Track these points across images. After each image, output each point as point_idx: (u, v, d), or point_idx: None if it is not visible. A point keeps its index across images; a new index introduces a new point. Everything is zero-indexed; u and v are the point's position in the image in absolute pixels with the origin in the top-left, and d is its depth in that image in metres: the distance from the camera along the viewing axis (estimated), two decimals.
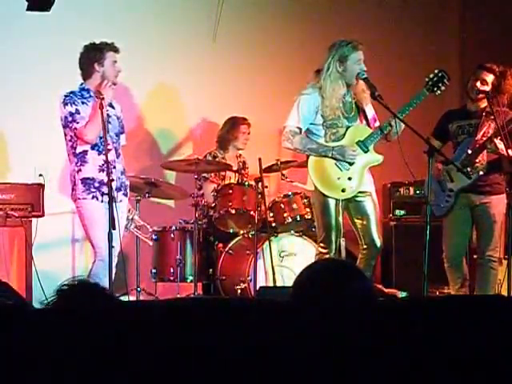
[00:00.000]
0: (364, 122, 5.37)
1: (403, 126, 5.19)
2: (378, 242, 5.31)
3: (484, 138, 5.60)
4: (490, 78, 5.64)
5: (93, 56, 5.24)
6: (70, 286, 2.21)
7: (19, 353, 2.15)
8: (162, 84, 7.30)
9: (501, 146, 5.47)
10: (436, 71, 5.35)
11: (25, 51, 6.76)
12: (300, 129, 5.24)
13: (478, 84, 5.67)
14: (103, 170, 5.08)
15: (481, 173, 5.61)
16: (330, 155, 5.21)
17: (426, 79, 5.33)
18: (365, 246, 5.31)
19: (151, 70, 7.10)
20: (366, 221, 5.29)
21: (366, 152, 5.28)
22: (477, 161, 5.62)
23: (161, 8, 7.27)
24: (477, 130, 5.67)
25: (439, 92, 5.34)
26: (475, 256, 5.84)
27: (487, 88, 5.62)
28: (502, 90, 5.57)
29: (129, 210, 5.58)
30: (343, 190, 5.23)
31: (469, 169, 5.48)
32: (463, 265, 5.76)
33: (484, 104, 5.69)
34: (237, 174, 6.82)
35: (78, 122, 5.15)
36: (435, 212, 5.62)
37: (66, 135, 5.26)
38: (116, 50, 5.27)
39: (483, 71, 5.68)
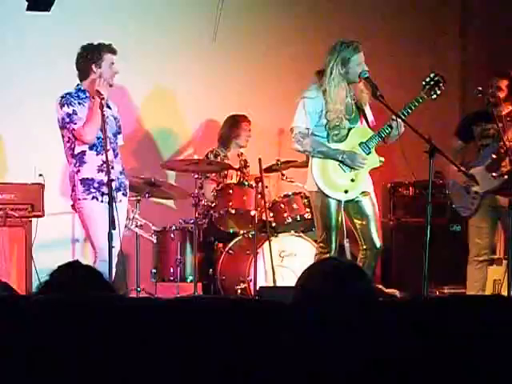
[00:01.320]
0: (364, 122, 5.37)
1: (403, 128, 5.19)
2: (378, 243, 5.30)
3: (508, 143, 5.62)
4: (504, 83, 5.68)
5: (90, 57, 5.20)
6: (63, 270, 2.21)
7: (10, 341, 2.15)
8: (162, 84, 7.29)
9: None
10: (432, 75, 5.35)
11: (25, 51, 6.76)
12: (308, 129, 5.23)
13: (493, 91, 5.70)
14: (102, 171, 5.07)
15: (505, 177, 5.66)
16: (339, 158, 5.20)
17: (423, 83, 5.34)
18: (364, 247, 5.31)
19: (151, 70, 7.10)
20: (366, 221, 5.29)
21: (368, 154, 5.28)
22: (502, 165, 5.66)
23: (161, 8, 7.26)
24: (501, 135, 5.68)
25: (435, 96, 5.35)
26: (478, 258, 5.84)
27: (502, 94, 5.66)
28: None
29: (128, 210, 5.58)
30: (346, 191, 5.24)
31: (494, 174, 5.54)
32: (486, 268, 5.78)
33: (507, 109, 5.70)
34: (238, 173, 6.82)
35: (75, 123, 5.13)
36: (462, 213, 5.88)
37: (63, 136, 5.23)
38: (114, 52, 5.22)
39: (497, 77, 5.72)
